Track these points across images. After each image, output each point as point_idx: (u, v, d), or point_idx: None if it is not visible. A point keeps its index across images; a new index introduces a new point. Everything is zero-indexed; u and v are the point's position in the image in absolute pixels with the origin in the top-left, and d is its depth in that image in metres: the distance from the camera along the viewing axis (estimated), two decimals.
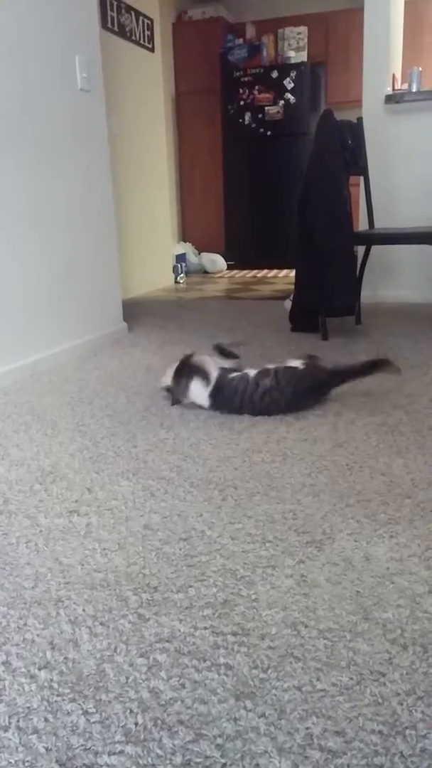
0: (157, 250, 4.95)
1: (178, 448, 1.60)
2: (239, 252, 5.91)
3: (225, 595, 1.01)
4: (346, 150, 2.68)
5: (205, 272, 5.76)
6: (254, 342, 2.78)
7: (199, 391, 1.83)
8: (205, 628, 0.93)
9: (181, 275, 5.29)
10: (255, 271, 5.75)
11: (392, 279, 3.68)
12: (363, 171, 2.94)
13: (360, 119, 2.94)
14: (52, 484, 1.41)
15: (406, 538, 1.16)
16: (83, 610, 0.97)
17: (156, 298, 4.39)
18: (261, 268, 5.84)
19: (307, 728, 0.76)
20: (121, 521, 1.24)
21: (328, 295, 2.70)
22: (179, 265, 5.31)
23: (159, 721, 0.76)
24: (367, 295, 3.58)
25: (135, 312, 3.64)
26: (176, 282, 5.24)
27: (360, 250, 3.17)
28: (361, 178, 3.02)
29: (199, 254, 5.84)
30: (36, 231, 2.38)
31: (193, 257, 5.74)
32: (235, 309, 3.79)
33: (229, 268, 5.93)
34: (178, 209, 6.04)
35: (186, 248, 5.72)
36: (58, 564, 1.09)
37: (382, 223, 3.40)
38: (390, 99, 3.41)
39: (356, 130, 2.85)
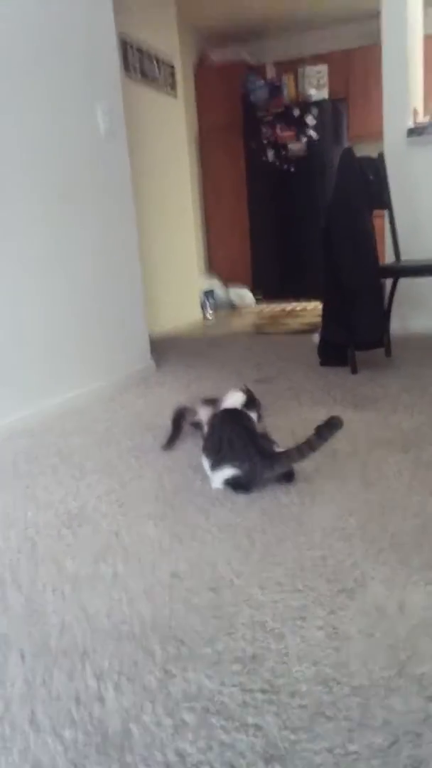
0: (185, 286, 5.00)
1: (206, 490, 1.59)
2: (267, 285, 5.95)
3: (254, 648, 0.98)
4: (369, 185, 2.69)
5: (233, 307, 5.80)
6: (282, 377, 2.77)
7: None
8: (234, 685, 0.90)
9: (210, 311, 5.33)
10: (283, 305, 5.76)
11: (422, 310, 3.64)
12: (386, 204, 2.94)
13: (381, 155, 2.96)
14: (79, 528, 1.40)
15: None
16: (108, 663, 0.95)
17: (184, 334, 4.43)
18: (289, 300, 5.85)
19: None
20: (148, 568, 1.22)
21: (356, 330, 2.69)
22: (207, 302, 5.35)
23: None
24: (396, 326, 3.54)
25: (163, 348, 3.67)
26: (205, 318, 5.28)
27: (388, 282, 3.15)
28: (386, 212, 3.02)
29: (227, 289, 5.89)
30: (61, 274, 2.43)
31: (220, 292, 5.79)
32: (264, 344, 3.79)
33: (257, 302, 5.95)
34: (204, 245, 6.12)
35: (214, 284, 5.78)
36: (84, 613, 1.08)
37: (408, 255, 3.38)
38: (412, 132, 3.43)
39: (377, 165, 2.86)
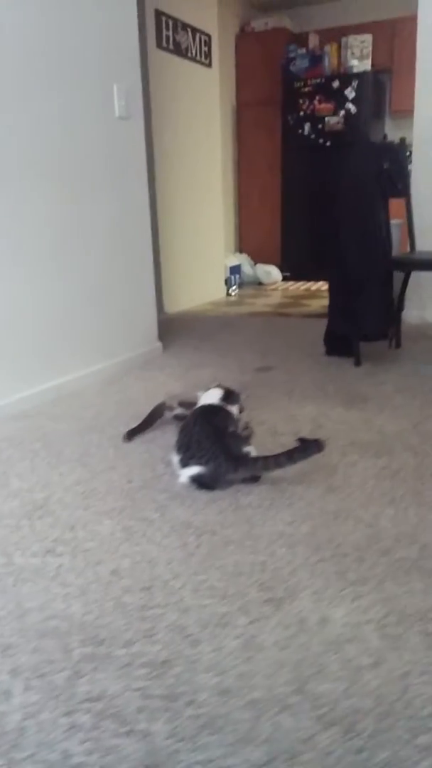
0: (209, 262, 4.99)
1: (171, 486, 1.63)
2: (295, 263, 5.87)
3: (167, 653, 1.02)
4: (383, 174, 2.62)
5: (260, 284, 5.76)
6: (283, 366, 2.77)
7: None
8: (136, 690, 0.95)
9: (233, 288, 5.31)
10: (310, 283, 5.69)
11: None
12: (403, 193, 2.86)
13: (403, 140, 2.87)
14: (39, 520, 1.47)
15: (369, 601, 1.14)
16: (26, 660, 1.01)
17: (201, 314, 4.43)
18: (316, 280, 5.77)
19: None
20: (91, 565, 1.28)
21: (360, 322, 2.65)
22: (232, 277, 5.33)
23: None
24: (413, 316, 3.49)
25: (177, 329, 3.70)
26: (228, 294, 5.27)
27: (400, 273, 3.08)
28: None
29: (255, 265, 5.85)
30: (65, 255, 2.47)
31: (248, 268, 5.76)
32: (277, 327, 3.77)
33: (285, 279, 5.89)
34: (235, 221, 6.06)
35: (242, 259, 5.74)
36: (18, 608, 1.15)
37: (428, 245, 3.29)
38: None
39: (396, 152, 2.78)
